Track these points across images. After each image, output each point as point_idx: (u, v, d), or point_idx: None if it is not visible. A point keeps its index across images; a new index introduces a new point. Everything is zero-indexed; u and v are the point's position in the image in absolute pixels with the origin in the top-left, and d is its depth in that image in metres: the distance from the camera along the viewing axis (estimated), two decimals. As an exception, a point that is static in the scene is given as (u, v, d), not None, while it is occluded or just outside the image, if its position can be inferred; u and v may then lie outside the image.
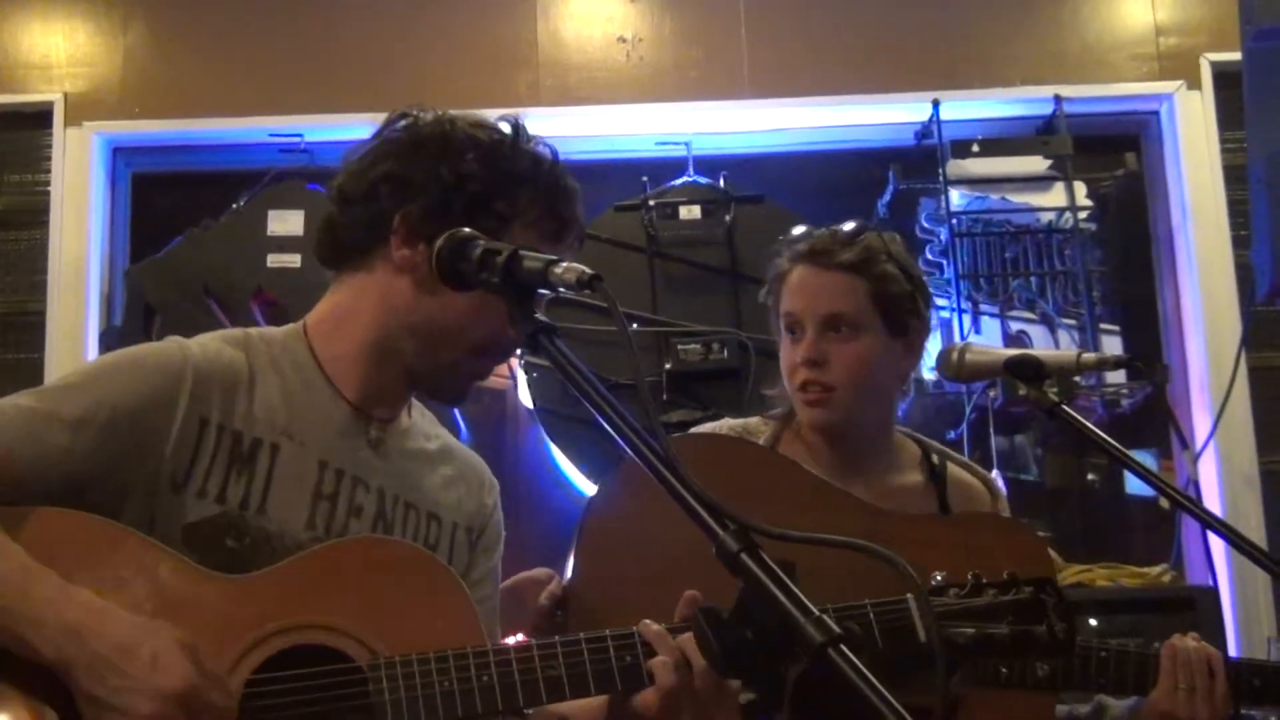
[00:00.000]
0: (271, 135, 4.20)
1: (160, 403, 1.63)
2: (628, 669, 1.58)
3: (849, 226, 2.24)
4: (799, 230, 2.29)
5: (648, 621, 1.60)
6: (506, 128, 1.75)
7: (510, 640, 1.94)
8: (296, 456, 1.69)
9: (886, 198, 4.22)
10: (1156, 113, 4.30)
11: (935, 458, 2.28)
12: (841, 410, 2.17)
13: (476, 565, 1.86)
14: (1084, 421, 2.02)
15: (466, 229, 1.47)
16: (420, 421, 1.87)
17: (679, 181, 4.21)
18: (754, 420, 2.31)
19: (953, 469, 2.27)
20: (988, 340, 4.09)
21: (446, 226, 1.52)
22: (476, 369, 1.75)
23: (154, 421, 1.62)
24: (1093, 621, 3.22)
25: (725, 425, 2.31)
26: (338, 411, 1.74)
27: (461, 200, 1.67)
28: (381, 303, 1.72)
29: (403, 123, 1.76)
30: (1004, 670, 1.92)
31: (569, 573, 2.00)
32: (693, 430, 2.38)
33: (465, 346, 1.71)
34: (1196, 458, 4.00)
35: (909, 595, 1.69)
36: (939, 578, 1.71)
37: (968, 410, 3.90)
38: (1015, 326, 4.19)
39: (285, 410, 1.70)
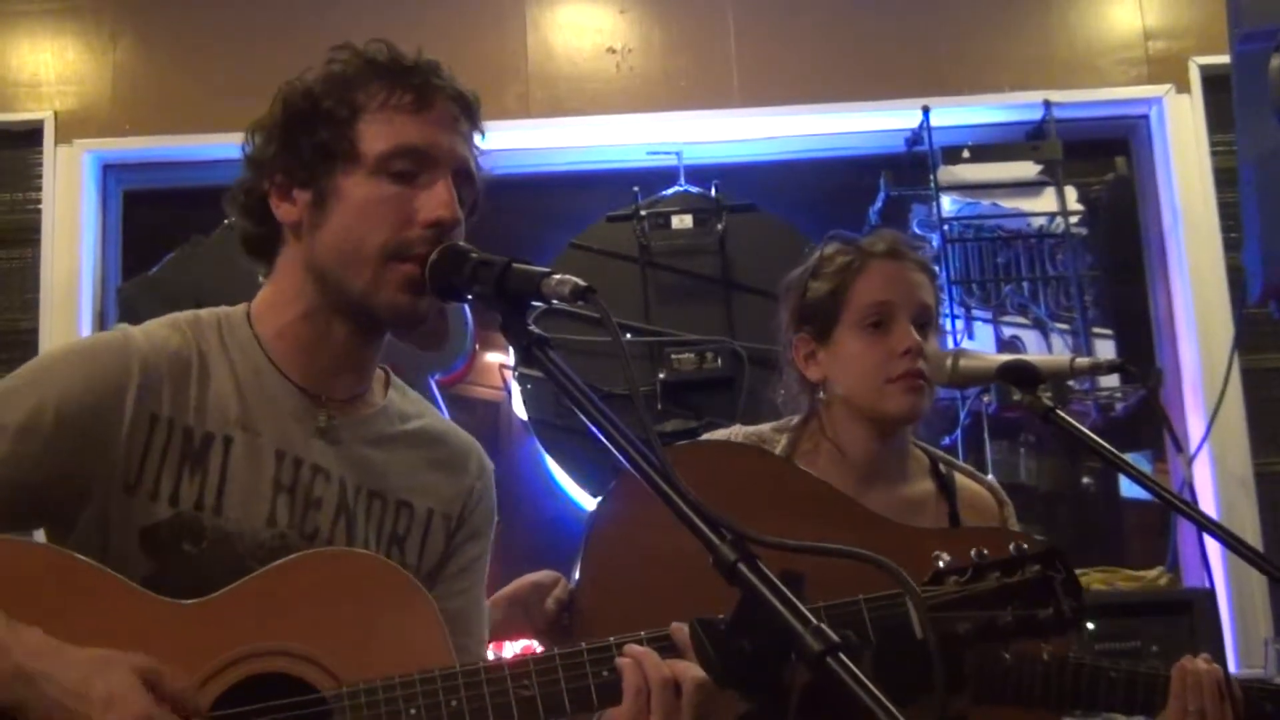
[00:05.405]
0: (262, 150, 4.19)
1: (107, 400, 1.57)
2: (605, 686, 1.51)
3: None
4: (839, 235, 2.25)
5: (632, 647, 1.51)
6: (342, 52, 1.70)
7: (517, 644, 1.92)
8: (252, 448, 1.63)
9: (878, 205, 4.23)
10: (1146, 116, 4.31)
11: (943, 466, 2.26)
12: (929, 402, 2.15)
13: (457, 555, 1.78)
14: (1078, 425, 2.01)
15: (462, 244, 1.46)
16: (399, 403, 1.78)
17: (670, 191, 4.22)
18: (766, 429, 2.27)
19: (960, 478, 2.26)
20: (981, 346, 4.10)
21: (301, 160, 1.61)
22: (406, 277, 1.60)
23: (102, 420, 1.57)
24: (1090, 625, 3.21)
25: (740, 433, 2.27)
26: (288, 396, 1.67)
27: (297, 129, 1.64)
28: (297, 266, 1.67)
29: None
30: (1006, 655, 1.90)
31: (575, 581, 1.99)
32: (704, 437, 2.35)
33: (375, 254, 1.59)
34: (1191, 460, 3.99)
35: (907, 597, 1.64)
36: (942, 561, 1.66)
37: (962, 416, 3.90)
38: (1008, 332, 4.20)
39: (237, 399, 1.64)
